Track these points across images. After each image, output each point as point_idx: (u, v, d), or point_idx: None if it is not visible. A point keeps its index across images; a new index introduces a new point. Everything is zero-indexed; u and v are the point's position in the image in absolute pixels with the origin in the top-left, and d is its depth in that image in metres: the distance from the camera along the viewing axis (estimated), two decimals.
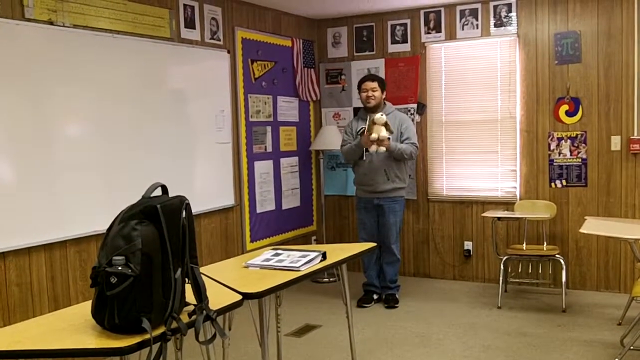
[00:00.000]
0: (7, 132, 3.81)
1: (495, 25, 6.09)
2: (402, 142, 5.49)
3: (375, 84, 5.54)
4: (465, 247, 6.41)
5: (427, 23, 6.42)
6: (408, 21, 6.52)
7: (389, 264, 5.73)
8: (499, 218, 5.76)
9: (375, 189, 5.57)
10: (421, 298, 5.90)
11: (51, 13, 4.05)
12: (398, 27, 6.58)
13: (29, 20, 3.92)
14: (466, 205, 6.38)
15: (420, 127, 6.50)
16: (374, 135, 5.28)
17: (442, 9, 6.32)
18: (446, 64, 6.40)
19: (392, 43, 6.63)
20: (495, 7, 6.06)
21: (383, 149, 5.35)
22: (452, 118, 6.39)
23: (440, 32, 6.37)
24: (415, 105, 6.49)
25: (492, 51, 6.15)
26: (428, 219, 6.59)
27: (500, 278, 5.65)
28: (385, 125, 5.30)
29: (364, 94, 5.57)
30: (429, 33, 6.43)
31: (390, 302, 5.67)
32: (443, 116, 6.43)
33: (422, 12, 6.42)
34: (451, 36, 6.31)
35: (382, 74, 6.63)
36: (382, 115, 5.33)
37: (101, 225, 4.17)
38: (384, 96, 5.62)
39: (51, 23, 4.06)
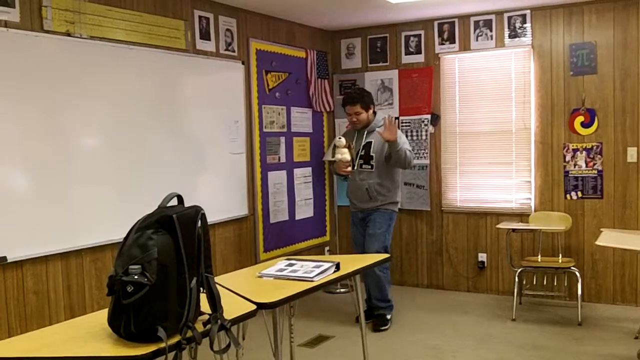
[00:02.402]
0: (24, 142, 3.85)
1: (510, 37, 6.09)
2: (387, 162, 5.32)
3: (357, 107, 5.31)
4: (480, 259, 6.38)
5: (441, 34, 6.43)
6: (422, 32, 6.53)
7: (370, 281, 5.38)
8: (513, 230, 5.74)
9: (360, 206, 5.44)
10: (434, 310, 5.88)
11: (69, 25, 4.10)
12: (412, 38, 6.59)
13: (47, 31, 3.97)
14: (480, 217, 6.36)
15: (434, 138, 6.50)
16: (337, 156, 5.26)
17: (456, 20, 6.33)
18: (460, 75, 6.40)
19: (405, 54, 6.64)
20: (509, 18, 6.07)
21: (349, 169, 5.31)
22: (466, 129, 6.38)
23: (454, 43, 6.37)
24: (429, 116, 6.50)
25: (506, 62, 6.15)
26: (442, 230, 6.58)
27: (515, 290, 5.62)
28: (348, 147, 5.28)
29: (348, 117, 5.45)
30: (442, 44, 6.44)
31: (378, 325, 5.29)
32: (457, 127, 6.43)
33: (436, 23, 6.43)
34: (465, 47, 6.32)
35: (395, 85, 6.65)
36: (340, 138, 5.30)
37: (116, 234, 4.23)
38: (370, 112, 5.38)
39: (69, 34, 4.11)
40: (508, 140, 6.18)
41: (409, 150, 5.22)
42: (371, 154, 5.31)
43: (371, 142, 5.34)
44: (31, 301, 3.95)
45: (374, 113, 5.44)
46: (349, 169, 5.31)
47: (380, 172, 5.31)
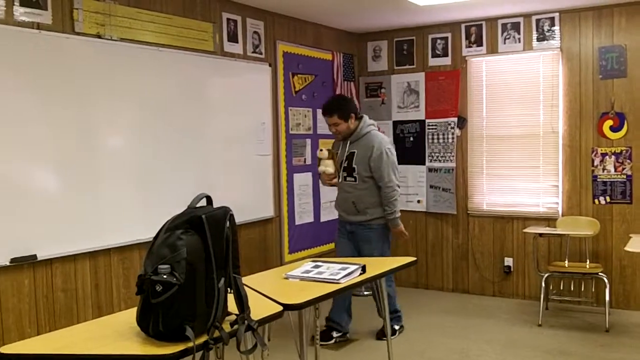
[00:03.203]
0: (54, 142, 3.91)
1: (538, 39, 6.04)
2: (370, 171, 4.83)
3: (334, 118, 4.86)
4: (506, 263, 6.33)
5: (468, 37, 6.40)
6: (449, 35, 6.50)
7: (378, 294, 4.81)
8: (540, 234, 5.69)
9: (348, 219, 5.00)
10: (460, 314, 5.84)
11: (99, 27, 4.16)
12: (439, 41, 6.57)
13: (78, 34, 4.03)
14: (507, 221, 6.31)
15: (460, 141, 6.47)
16: (320, 168, 4.98)
17: (484, 23, 6.29)
18: (487, 77, 6.37)
19: (432, 57, 6.62)
20: (537, 20, 6.02)
21: (335, 180, 5.00)
22: (493, 132, 6.34)
23: (481, 45, 6.34)
24: (455, 119, 6.47)
25: (534, 65, 6.10)
26: (467, 234, 6.54)
27: (542, 295, 5.57)
28: (332, 157, 4.96)
29: (329, 128, 5.02)
30: (470, 47, 6.40)
31: (380, 335, 5.06)
32: (484, 130, 6.39)
33: (463, 25, 6.41)
34: (492, 50, 6.28)
35: (422, 88, 6.63)
36: (321, 150, 4.98)
37: (144, 234, 4.29)
38: (352, 121, 4.88)
39: (99, 36, 4.16)
40: (535, 144, 6.13)
41: (387, 187, 4.81)
42: (353, 165, 4.87)
43: (354, 152, 4.89)
44: (60, 299, 4.00)
45: (359, 119, 4.95)
46: (335, 180, 4.99)
47: (365, 184, 4.87)
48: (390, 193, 4.82)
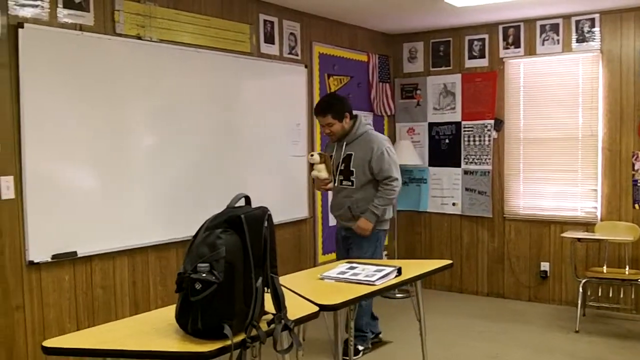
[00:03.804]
0: (94, 141, 3.98)
1: (577, 41, 5.95)
2: (372, 179, 4.59)
3: (328, 118, 4.57)
4: (542, 268, 6.25)
5: (505, 38, 6.34)
6: (486, 36, 6.45)
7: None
8: (579, 239, 5.60)
9: (343, 224, 4.76)
10: (494, 318, 5.79)
11: (139, 28, 4.22)
12: (476, 42, 6.52)
13: (119, 35, 4.11)
14: (544, 225, 6.23)
15: (497, 144, 6.41)
16: (313, 173, 4.68)
17: (522, 24, 6.22)
18: (525, 79, 6.30)
19: (469, 58, 6.57)
20: (577, 22, 5.93)
21: (330, 185, 4.71)
22: (531, 135, 6.27)
23: (519, 47, 6.27)
24: (492, 122, 6.41)
25: (573, 67, 6.01)
26: (503, 237, 6.47)
27: (579, 301, 5.48)
28: (324, 162, 4.66)
29: (322, 129, 4.79)
30: (507, 48, 6.34)
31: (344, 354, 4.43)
32: (521, 133, 6.32)
33: (500, 27, 6.35)
34: (531, 51, 6.21)
35: (458, 90, 6.59)
36: (312, 155, 4.67)
37: (180, 232, 4.34)
38: (346, 121, 4.61)
39: (139, 38, 4.23)
40: (574, 147, 6.04)
41: (384, 183, 4.55)
42: (351, 168, 4.60)
43: (351, 154, 4.61)
44: (99, 295, 4.07)
45: (353, 119, 4.67)
46: (330, 185, 4.70)
47: (363, 188, 4.61)
48: (390, 190, 4.54)
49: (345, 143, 4.65)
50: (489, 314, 5.91)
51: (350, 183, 4.63)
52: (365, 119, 4.77)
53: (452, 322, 5.62)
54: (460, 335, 5.28)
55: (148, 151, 4.31)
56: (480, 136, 6.49)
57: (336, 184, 4.70)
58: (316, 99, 5.85)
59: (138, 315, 2.86)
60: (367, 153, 4.55)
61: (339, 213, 4.75)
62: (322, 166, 4.63)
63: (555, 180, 6.16)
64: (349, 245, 4.72)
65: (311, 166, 4.69)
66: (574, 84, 6.02)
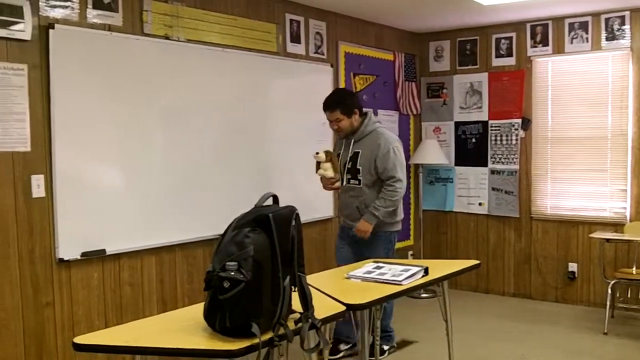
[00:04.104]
0: (122, 141, 4.03)
1: (607, 39, 5.87)
2: (378, 178, 4.42)
3: (337, 113, 4.42)
4: (570, 269, 6.19)
5: (533, 36, 6.28)
6: (513, 34, 6.39)
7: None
8: (607, 240, 5.53)
9: (351, 224, 4.55)
10: (521, 319, 5.74)
11: (167, 28, 4.26)
12: (503, 41, 6.46)
13: (147, 35, 4.15)
14: (572, 225, 6.16)
15: (524, 143, 6.35)
16: (320, 171, 4.50)
17: (550, 22, 6.16)
18: (553, 78, 6.23)
19: (496, 57, 6.52)
20: (607, 19, 5.85)
21: (338, 184, 4.55)
22: (559, 134, 6.20)
23: (547, 45, 6.21)
24: (519, 121, 6.35)
25: (602, 66, 5.94)
26: (530, 237, 6.41)
27: (607, 303, 5.41)
28: (330, 160, 4.50)
29: (330, 125, 4.58)
30: (535, 47, 6.28)
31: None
32: (549, 132, 6.26)
33: (528, 25, 6.29)
34: (559, 50, 6.14)
35: (485, 88, 6.54)
36: (317, 153, 4.48)
37: (207, 231, 4.37)
38: (355, 117, 4.46)
39: (167, 38, 4.26)
40: (603, 147, 5.97)
41: (389, 184, 4.38)
42: (358, 167, 4.46)
43: (358, 152, 4.48)
44: (127, 293, 4.11)
45: (363, 116, 4.53)
46: (337, 184, 4.55)
47: (371, 187, 4.46)
48: (392, 191, 4.36)
49: (353, 140, 4.51)
50: (515, 315, 5.87)
51: (357, 182, 4.48)
52: (375, 117, 4.61)
53: (479, 323, 5.59)
54: (486, 336, 5.25)
55: (175, 150, 4.34)
56: (507, 135, 6.44)
57: (344, 183, 4.56)
58: None
59: (166, 312, 2.89)
60: (373, 151, 4.39)
61: (347, 213, 4.60)
62: (329, 164, 4.48)
63: (584, 180, 6.09)
64: (359, 247, 4.53)
65: (317, 165, 4.52)
66: (603, 82, 5.94)
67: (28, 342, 3.64)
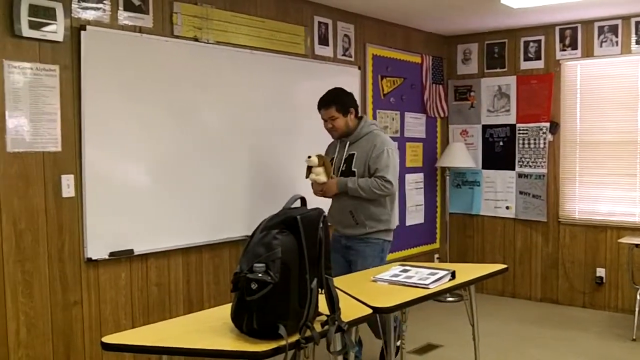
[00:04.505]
0: (150, 142, 4.07)
1: (637, 42, 5.79)
2: (370, 175, 4.18)
3: (332, 111, 4.22)
4: (598, 274, 6.11)
5: (562, 40, 6.22)
6: (542, 37, 6.33)
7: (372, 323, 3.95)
8: (636, 245, 5.45)
9: (344, 232, 4.33)
10: (547, 324, 5.68)
11: (196, 30, 4.29)
12: (531, 44, 6.41)
13: (177, 37, 4.19)
14: (600, 230, 6.08)
15: (552, 147, 6.29)
16: (311, 176, 4.23)
17: (579, 26, 6.09)
18: (582, 82, 6.17)
19: (524, 60, 6.46)
20: (637, 23, 5.77)
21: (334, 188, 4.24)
22: (587, 138, 6.14)
23: (576, 49, 6.14)
24: (547, 124, 6.29)
25: (632, 69, 5.85)
26: (558, 242, 6.34)
27: (636, 309, 5.32)
28: (323, 164, 4.23)
29: (324, 124, 4.34)
30: (564, 50, 6.22)
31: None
32: (577, 136, 6.19)
33: (557, 28, 6.23)
34: (588, 53, 6.07)
35: (513, 92, 6.49)
36: (309, 157, 4.21)
37: (234, 232, 4.40)
38: (351, 117, 4.27)
39: (196, 40, 4.30)
40: (633, 151, 5.88)
41: (379, 178, 4.13)
42: (353, 169, 4.23)
43: (353, 154, 4.26)
44: (154, 293, 4.15)
45: (359, 118, 4.35)
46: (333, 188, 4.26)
47: None
48: (381, 186, 4.10)
49: (348, 143, 4.30)
50: (542, 320, 5.81)
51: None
52: (372, 120, 4.41)
53: (505, 327, 5.54)
54: (512, 341, 5.21)
55: (204, 151, 4.37)
56: (535, 139, 6.38)
57: None
58: (369, 100, 5.85)
59: (194, 313, 2.91)
60: (368, 152, 4.19)
61: (339, 219, 4.31)
62: (321, 169, 4.20)
63: (613, 185, 6.01)
64: (350, 255, 4.30)
65: (308, 169, 4.24)
66: (633, 86, 5.86)
67: (56, 341, 3.69)
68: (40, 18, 3.47)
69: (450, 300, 6.38)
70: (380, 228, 4.26)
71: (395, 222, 4.40)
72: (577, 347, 5.04)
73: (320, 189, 4.27)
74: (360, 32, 5.73)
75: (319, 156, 4.25)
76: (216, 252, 4.52)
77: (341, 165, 4.30)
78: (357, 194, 4.13)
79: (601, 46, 5.99)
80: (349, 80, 5.59)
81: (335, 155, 4.35)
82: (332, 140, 4.47)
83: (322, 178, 4.19)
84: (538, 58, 6.38)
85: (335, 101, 4.24)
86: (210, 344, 2.29)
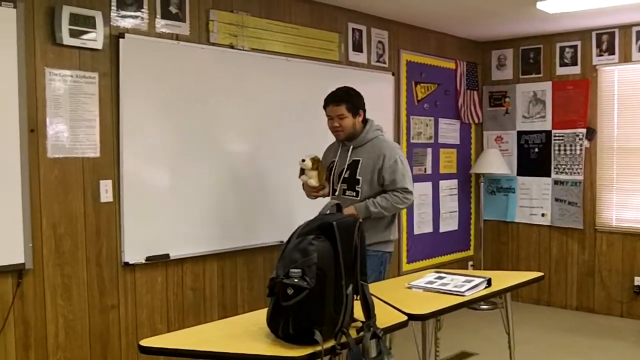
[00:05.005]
0: (188, 147, 4.11)
1: None
2: (381, 191, 3.87)
3: (342, 109, 3.89)
4: (636, 283, 6.00)
5: (599, 45, 6.14)
6: (578, 43, 6.26)
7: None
8: None
9: None
10: (583, 333, 5.60)
11: (232, 38, 4.33)
12: (567, 49, 6.34)
13: (213, 44, 4.23)
14: (638, 238, 5.97)
15: (589, 153, 6.20)
16: (303, 177, 4.03)
17: (616, 30, 6.01)
18: (619, 87, 6.08)
19: (560, 65, 6.39)
20: None
21: (323, 191, 4.05)
22: (625, 144, 6.04)
23: (613, 54, 6.05)
24: (584, 131, 6.21)
25: None
26: (594, 250, 6.25)
27: None
28: (317, 167, 4.02)
29: (329, 122, 4.00)
30: (601, 55, 6.14)
31: None
32: (614, 142, 6.09)
33: (594, 33, 6.15)
34: (625, 58, 5.98)
35: (548, 97, 6.42)
36: (303, 160, 3.98)
37: (268, 238, 4.42)
38: (358, 120, 3.95)
39: (232, 47, 4.34)
40: None
41: (397, 191, 3.83)
42: (357, 177, 3.90)
43: (358, 160, 3.92)
44: (189, 297, 4.19)
45: (365, 122, 4.01)
46: (322, 192, 4.06)
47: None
48: (403, 198, 3.82)
49: (352, 147, 3.96)
50: (578, 329, 5.72)
51: (354, 194, 3.91)
52: (378, 124, 4.08)
53: (540, 336, 5.47)
54: (548, 350, 5.14)
55: (239, 158, 4.41)
56: (571, 145, 6.30)
57: (336, 193, 3.98)
58: (403, 106, 5.84)
59: (229, 318, 2.93)
60: (377, 161, 3.86)
61: None
62: (314, 173, 4.00)
63: None
64: None
65: (301, 170, 4.04)
66: None
67: (94, 344, 3.75)
68: (80, 26, 3.54)
69: (484, 308, 6.32)
70: (380, 239, 3.91)
71: (395, 233, 4.07)
72: (614, 356, 4.96)
73: (313, 191, 4.04)
74: (394, 38, 5.72)
75: (312, 159, 4.03)
76: (250, 257, 4.54)
77: (343, 172, 3.96)
78: (382, 215, 3.83)
79: (639, 51, 5.90)
80: (383, 86, 5.60)
81: (336, 160, 4.03)
82: (329, 143, 4.19)
83: (313, 182, 3.98)
84: (574, 63, 6.31)
85: (346, 99, 3.93)
86: (247, 349, 2.31)
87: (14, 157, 3.35)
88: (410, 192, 3.86)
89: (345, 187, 3.94)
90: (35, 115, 3.44)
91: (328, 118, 3.98)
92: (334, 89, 4.07)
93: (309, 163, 3.98)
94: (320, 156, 4.12)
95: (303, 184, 4.09)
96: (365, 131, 3.95)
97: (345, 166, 3.95)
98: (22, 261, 3.39)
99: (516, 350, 3.80)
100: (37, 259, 3.47)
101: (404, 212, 5.89)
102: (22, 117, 3.37)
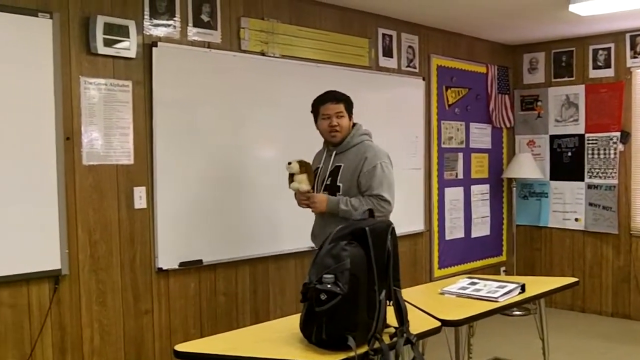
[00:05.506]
0: (219, 154, 4.15)
1: None
2: (361, 193, 3.60)
3: (341, 106, 3.70)
4: None
5: (633, 47, 6.05)
6: (612, 45, 6.18)
7: None
8: None
9: None
10: (619, 340, 5.50)
11: (263, 45, 4.37)
12: (600, 52, 6.26)
13: (244, 51, 4.27)
14: None
15: (623, 157, 6.11)
16: (293, 184, 3.70)
17: None
18: None
19: (593, 68, 6.31)
20: None
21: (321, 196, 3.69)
22: None
23: None
24: (618, 134, 6.12)
25: None
26: (630, 255, 6.14)
27: None
28: (306, 170, 3.72)
29: (325, 122, 3.71)
30: (635, 57, 6.05)
31: None
32: None
33: (627, 35, 6.06)
34: None
35: (581, 101, 6.34)
36: (290, 163, 3.69)
37: (299, 243, 4.42)
38: (350, 122, 3.76)
39: (263, 54, 4.37)
40: None
41: (374, 197, 3.56)
42: (338, 183, 3.66)
43: (340, 166, 3.69)
44: (221, 302, 4.22)
45: (353, 126, 3.79)
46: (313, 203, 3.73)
47: None
48: (378, 207, 3.50)
49: (334, 153, 3.74)
50: (613, 335, 5.63)
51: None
52: (366, 129, 3.84)
53: (574, 342, 5.40)
54: (583, 357, 5.06)
55: (271, 164, 4.42)
56: (605, 149, 6.21)
57: None
58: (434, 111, 5.82)
59: (262, 323, 2.95)
60: (357, 166, 3.62)
61: (323, 239, 3.19)
62: (303, 176, 3.70)
63: None
64: None
65: (290, 177, 3.74)
66: None
67: (128, 349, 3.79)
68: (114, 36, 3.59)
69: (517, 314, 6.25)
70: None
71: None
72: None
73: (304, 198, 3.73)
74: (424, 43, 5.71)
75: (300, 162, 3.73)
76: (282, 263, 4.56)
77: (325, 179, 3.73)
78: (349, 215, 3.46)
79: None
80: (414, 91, 5.59)
81: (321, 166, 3.80)
82: (319, 149, 3.98)
83: (304, 186, 3.68)
84: (608, 66, 6.23)
85: (344, 99, 3.76)
86: (280, 354, 2.32)
87: (50, 164, 3.41)
88: (387, 201, 3.57)
89: (327, 194, 3.69)
90: (71, 123, 3.50)
91: (323, 118, 3.72)
92: (331, 90, 3.87)
93: (295, 166, 3.70)
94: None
95: (295, 193, 3.80)
96: (351, 136, 3.72)
97: (328, 173, 3.74)
98: (59, 267, 3.45)
99: (550, 357, 3.76)
100: (72, 265, 3.53)
101: (435, 219, 5.86)
102: (58, 125, 3.42)
